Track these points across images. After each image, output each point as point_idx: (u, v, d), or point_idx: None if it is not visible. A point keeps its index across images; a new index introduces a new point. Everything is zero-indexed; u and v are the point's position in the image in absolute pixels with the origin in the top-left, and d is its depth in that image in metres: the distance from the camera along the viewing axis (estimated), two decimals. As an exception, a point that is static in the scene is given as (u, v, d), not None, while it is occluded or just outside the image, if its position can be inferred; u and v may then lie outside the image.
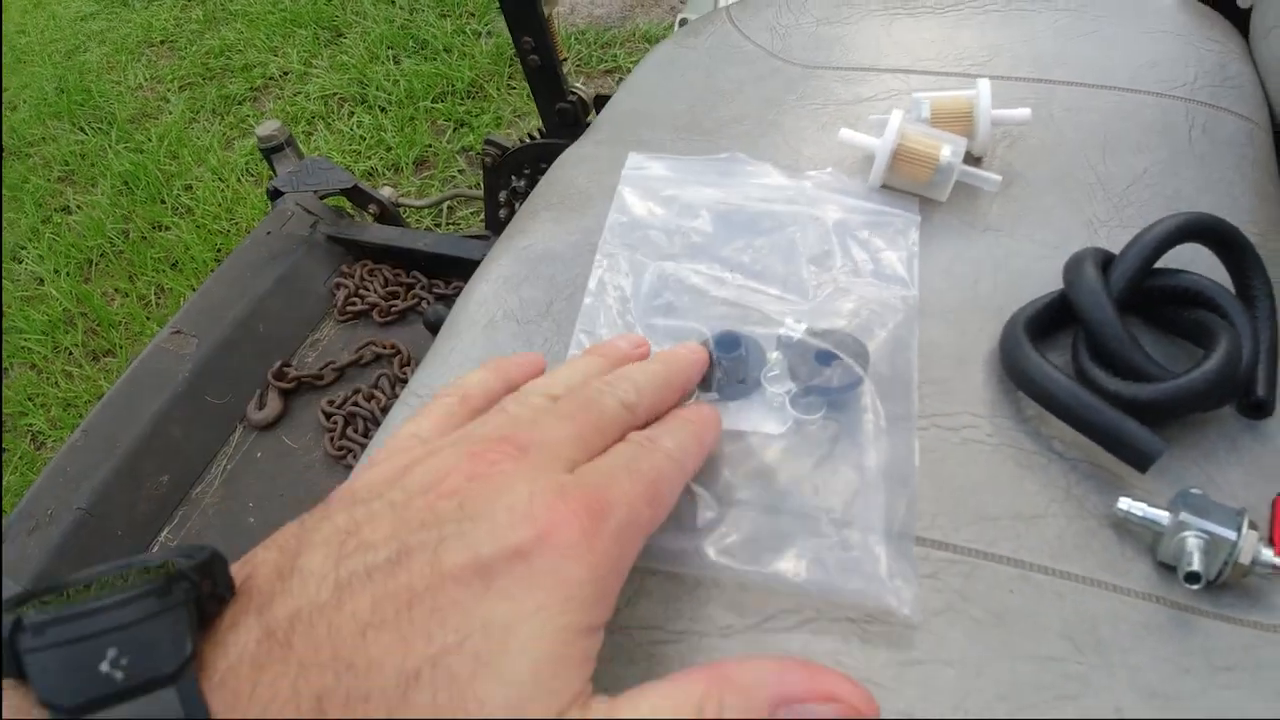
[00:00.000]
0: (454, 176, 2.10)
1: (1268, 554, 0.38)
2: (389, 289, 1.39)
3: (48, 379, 1.93)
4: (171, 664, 0.24)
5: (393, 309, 1.33)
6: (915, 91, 0.61)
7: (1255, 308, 0.47)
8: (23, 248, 2.26)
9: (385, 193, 1.56)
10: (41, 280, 2.14)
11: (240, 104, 2.54)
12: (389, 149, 2.21)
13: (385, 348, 1.27)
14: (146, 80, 2.74)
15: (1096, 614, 0.38)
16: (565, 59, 1.23)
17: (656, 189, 0.58)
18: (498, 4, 1.15)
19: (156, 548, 1.19)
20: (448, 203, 1.97)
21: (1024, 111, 0.59)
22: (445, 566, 0.28)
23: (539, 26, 1.12)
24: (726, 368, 0.45)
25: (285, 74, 2.58)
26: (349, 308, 1.37)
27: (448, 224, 1.99)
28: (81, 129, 2.59)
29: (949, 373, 0.47)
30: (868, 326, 0.48)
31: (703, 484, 0.41)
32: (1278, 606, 0.39)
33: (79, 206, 2.33)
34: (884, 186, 0.58)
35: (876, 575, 0.38)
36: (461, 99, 2.29)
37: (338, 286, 1.40)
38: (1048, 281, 0.51)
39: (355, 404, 1.21)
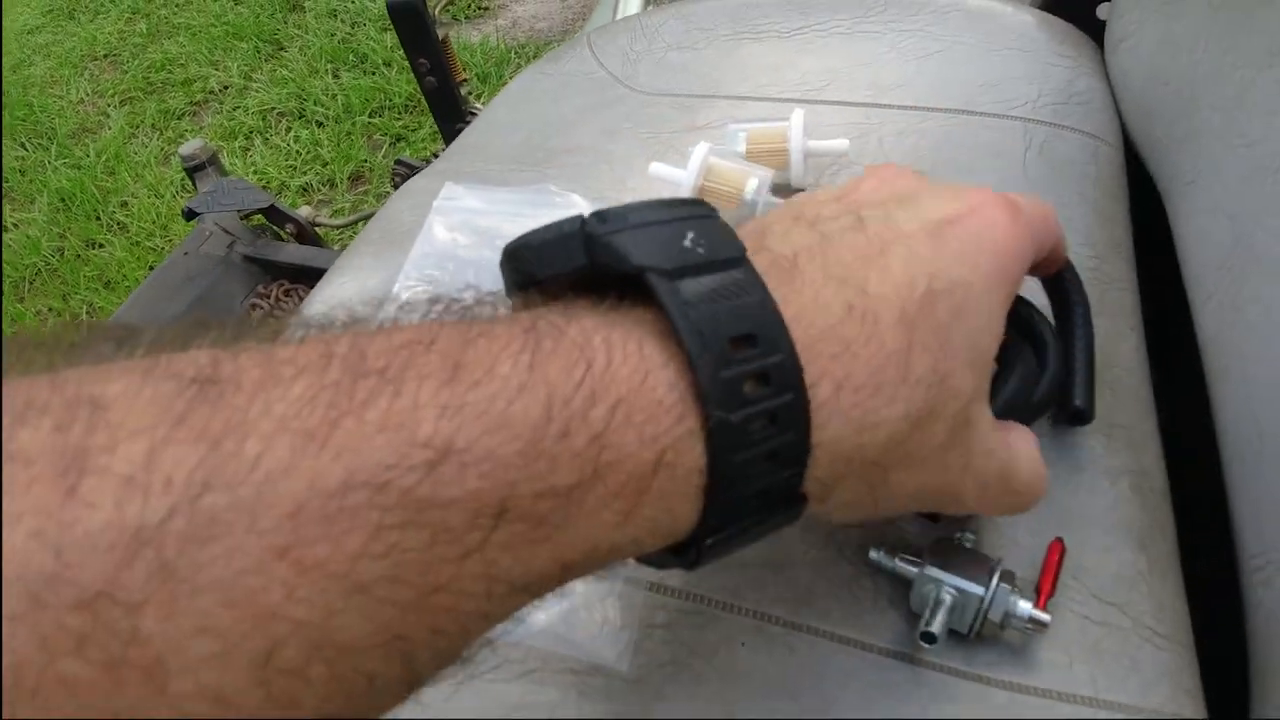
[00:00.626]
0: (388, 192, 2.09)
1: (1024, 607, 0.38)
2: (303, 309, 1.38)
3: (-25, 400, 1.91)
4: (736, 250, 0.28)
5: (303, 329, 1.32)
6: (733, 123, 0.61)
7: (1071, 322, 0.48)
8: (-46, 268, 2.24)
9: (303, 212, 1.55)
10: (-28, 300, 2.13)
11: (180, 119, 2.53)
12: (325, 164, 2.20)
13: (292, 368, 1.26)
14: (88, 94, 2.72)
15: (826, 671, 0.38)
16: (464, 80, 1.23)
17: (465, 220, 0.58)
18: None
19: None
20: (363, 221, 1.96)
21: (841, 143, 0.59)
22: (902, 227, 0.32)
23: (433, 48, 1.12)
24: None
25: (225, 88, 2.57)
26: (263, 327, 1.36)
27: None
28: (22, 144, 2.57)
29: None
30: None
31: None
32: (1040, 664, 0.39)
33: (15, 224, 2.31)
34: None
35: (592, 625, 0.38)
36: (399, 114, 2.29)
37: (254, 306, 1.39)
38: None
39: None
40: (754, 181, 0.55)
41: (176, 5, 3.01)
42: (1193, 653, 0.41)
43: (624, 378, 0.25)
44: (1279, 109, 0.49)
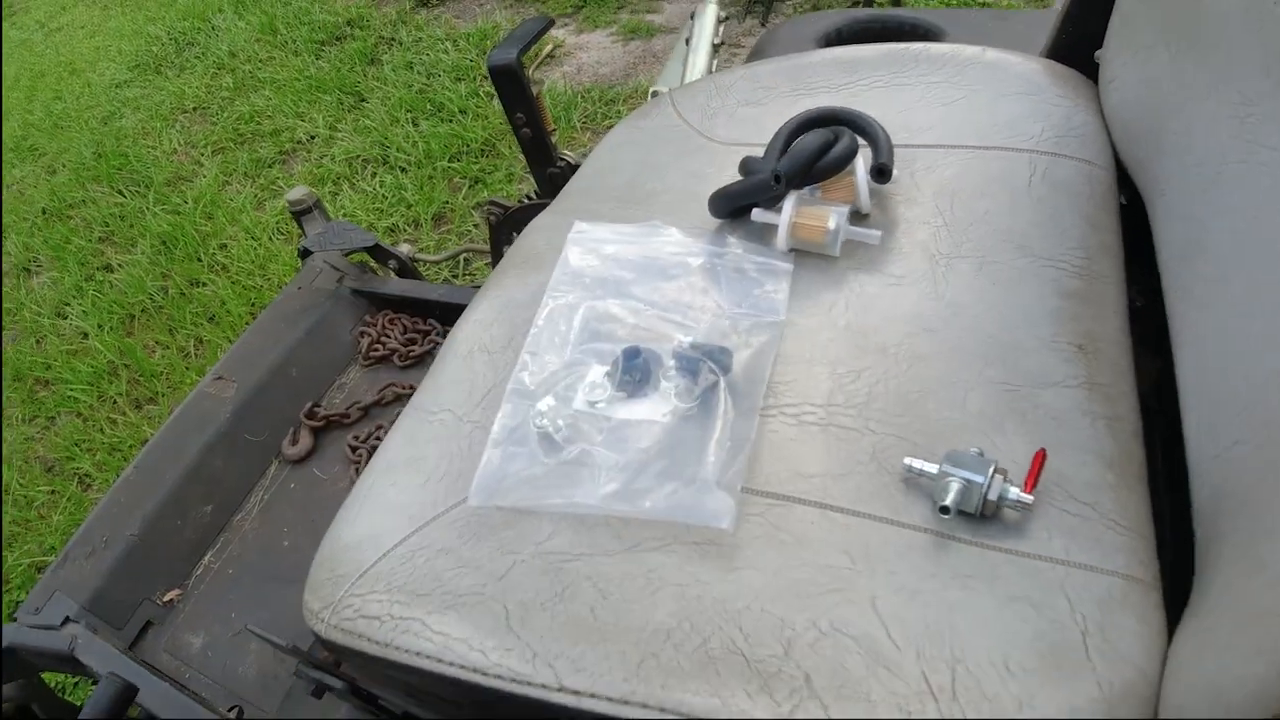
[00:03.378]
0: (469, 230, 2.33)
1: (1013, 491, 0.57)
2: (408, 336, 1.59)
3: (94, 426, 2.16)
4: None
5: (411, 353, 1.53)
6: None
7: (874, 133, 0.72)
8: (67, 304, 2.50)
9: (403, 249, 1.77)
10: (86, 334, 2.38)
11: (270, 167, 2.79)
12: (409, 206, 2.44)
13: (404, 388, 1.46)
14: (181, 145, 3.00)
15: (871, 539, 0.58)
16: (554, 130, 1.44)
17: (594, 248, 0.78)
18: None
19: (200, 569, 1.38)
20: (460, 256, 2.19)
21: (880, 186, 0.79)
22: None
23: (529, 105, 1.33)
24: (628, 372, 0.65)
25: (312, 138, 2.84)
26: (372, 353, 1.57)
27: (463, 275, 2.20)
28: (120, 192, 2.85)
29: (798, 374, 0.67)
30: (738, 344, 0.67)
31: (604, 457, 0.61)
32: (1027, 537, 0.57)
33: (120, 265, 2.57)
34: (791, 249, 0.78)
35: (705, 506, 0.58)
36: (476, 158, 2.52)
37: (361, 334, 1.61)
38: (885, 303, 0.71)
39: (378, 439, 1.41)
40: (834, 217, 0.75)
41: (260, 61, 3.31)
42: (1152, 545, 0.58)
43: None
44: (1218, 132, 0.67)
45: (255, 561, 1.38)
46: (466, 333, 0.79)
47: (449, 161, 2.53)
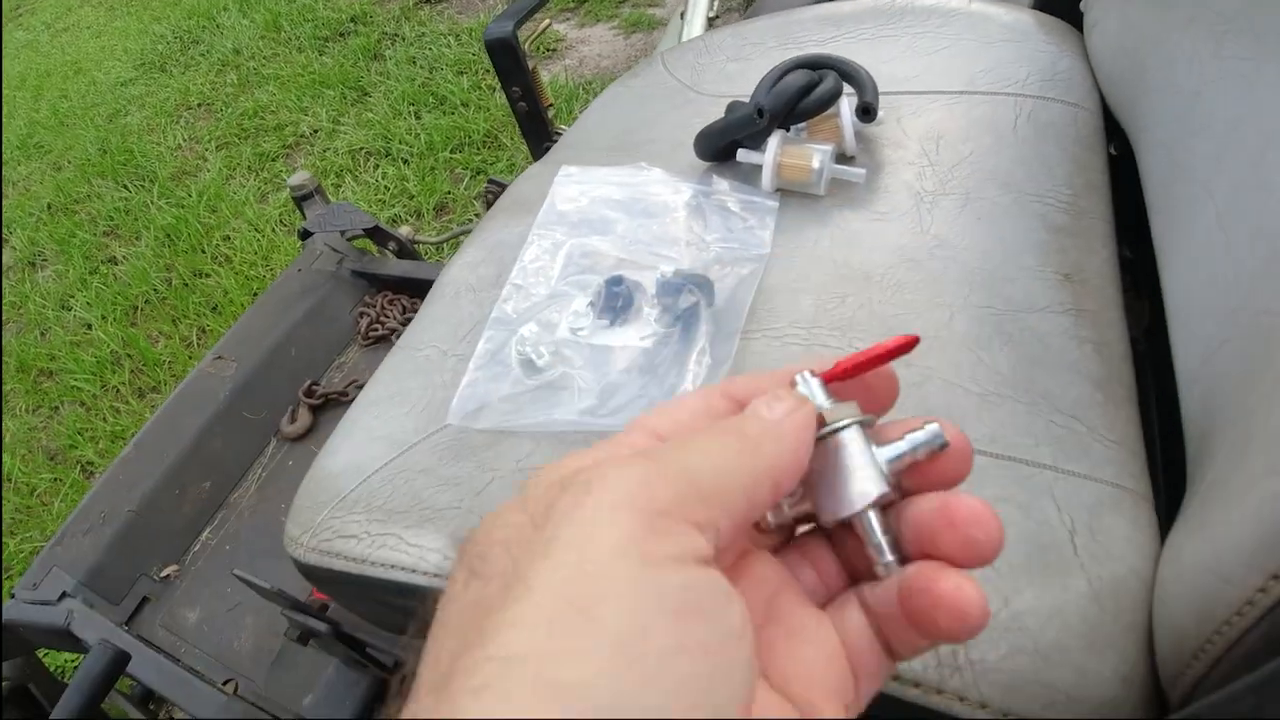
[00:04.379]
0: (471, 219, 2.33)
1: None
2: (407, 316, 1.60)
3: (96, 414, 2.17)
4: None
5: (409, 331, 1.54)
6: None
7: (859, 76, 0.73)
8: (71, 296, 2.52)
9: (403, 231, 1.78)
10: (90, 325, 2.40)
11: (274, 160, 2.81)
12: (411, 197, 2.45)
13: (401, 363, 1.47)
14: (185, 140, 3.02)
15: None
16: (550, 105, 1.45)
17: (580, 190, 0.79)
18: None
19: (198, 546, 1.39)
20: (459, 238, 2.20)
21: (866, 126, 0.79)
22: None
23: (525, 78, 1.34)
24: (609, 299, 0.65)
25: (315, 132, 2.85)
26: (371, 333, 1.58)
27: (465, 263, 2.21)
28: (124, 186, 2.87)
29: (782, 301, 0.67)
30: (721, 274, 0.68)
31: (584, 378, 0.62)
32: (1015, 445, 0.57)
33: (124, 258, 2.59)
34: (778, 190, 0.78)
35: None
36: (478, 149, 2.54)
37: (361, 315, 1.62)
38: (870, 237, 0.71)
39: (375, 412, 1.42)
40: (818, 156, 0.76)
41: (264, 58, 3.33)
42: (1143, 461, 0.58)
43: None
44: (1198, 55, 0.67)
45: (252, 538, 1.38)
46: (453, 274, 0.80)
47: (451, 153, 2.54)
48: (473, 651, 0.25)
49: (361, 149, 2.70)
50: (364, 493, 0.64)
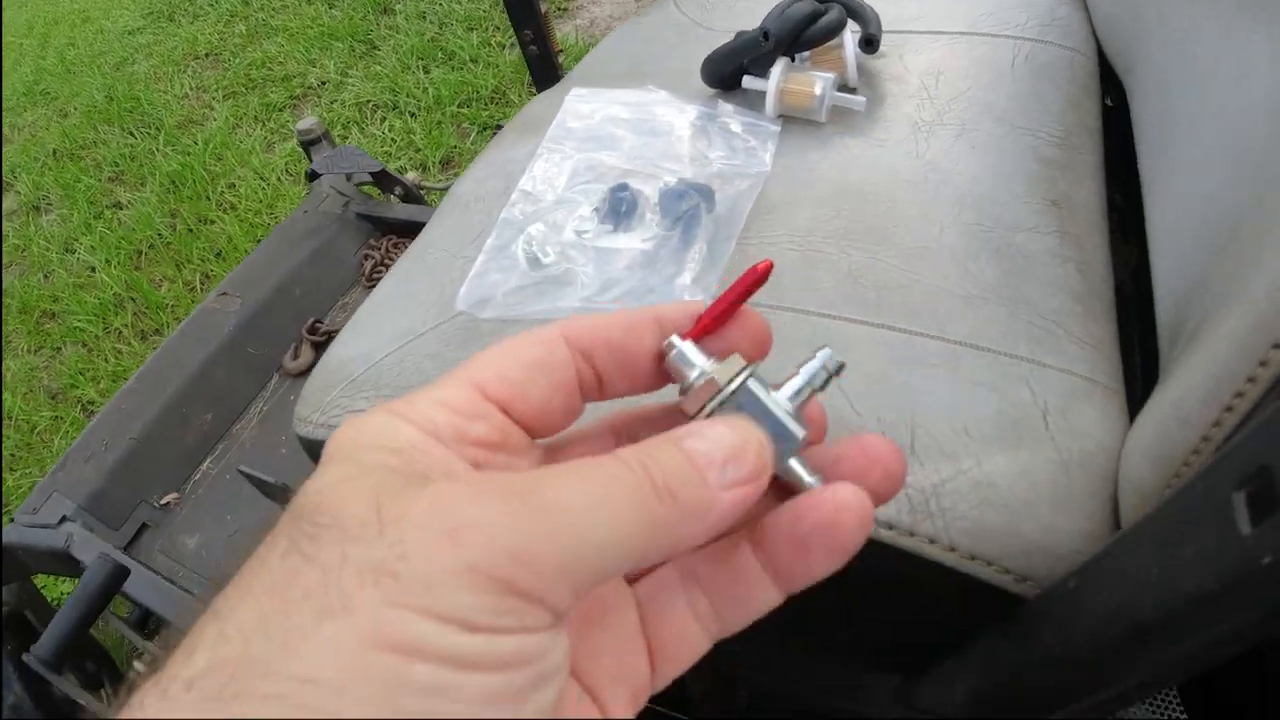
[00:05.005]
0: (477, 173, 2.35)
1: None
2: (410, 257, 1.62)
3: (98, 355, 2.20)
4: None
5: (412, 270, 1.56)
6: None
7: (863, 11, 0.75)
8: (76, 240, 2.55)
9: (410, 177, 1.81)
10: (94, 269, 2.43)
11: (281, 111, 2.83)
12: (418, 150, 2.47)
13: (405, 302, 1.50)
14: (192, 90, 3.04)
15: (841, 335, 0.61)
16: (560, 50, 1.47)
17: (590, 109, 0.82)
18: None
19: (199, 475, 1.42)
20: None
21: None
22: None
23: (537, 22, 1.37)
24: (614, 205, 0.68)
25: (323, 84, 2.87)
26: (375, 275, 1.61)
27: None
28: (130, 133, 2.89)
29: (780, 214, 0.70)
30: (723, 185, 0.71)
31: (589, 273, 0.64)
32: (993, 339, 0.60)
33: (129, 203, 2.62)
34: (781, 116, 0.81)
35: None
36: (485, 104, 2.55)
37: (365, 257, 1.65)
38: (867, 161, 0.74)
39: (377, 348, 1.44)
40: (820, 83, 0.78)
41: (273, 9, 3.34)
42: (1118, 366, 0.61)
43: None
44: (1188, 6, 0.70)
45: (253, 467, 1.41)
46: (463, 188, 0.83)
47: (458, 107, 2.56)
48: (268, 662, 0.23)
49: (369, 102, 2.72)
50: (373, 375, 0.67)
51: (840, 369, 0.31)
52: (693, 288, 0.63)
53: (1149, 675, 0.38)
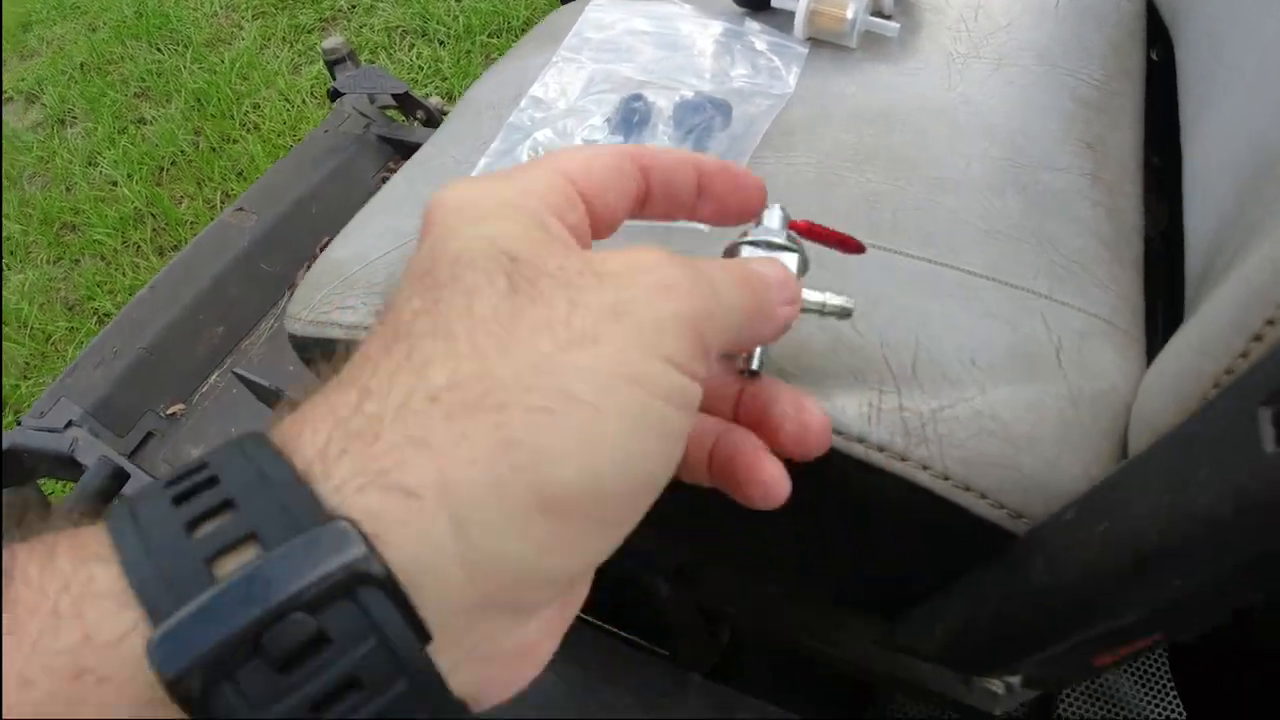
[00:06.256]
0: (503, 105, 2.33)
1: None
2: (430, 182, 1.60)
3: (116, 269, 2.20)
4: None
5: (431, 197, 1.55)
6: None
7: None
8: (99, 154, 2.54)
9: (433, 101, 1.78)
10: (115, 182, 2.42)
11: (309, 33, 2.80)
12: (445, 79, 2.45)
13: (421, 228, 1.48)
14: (221, 8, 3.01)
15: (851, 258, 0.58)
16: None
17: (610, 19, 0.79)
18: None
19: (206, 387, 1.42)
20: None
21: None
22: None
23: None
24: (626, 115, 0.66)
25: (353, 7, 2.84)
26: (393, 197, 1.58)
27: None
28: (158, 49, 2.87)
29: (799, 137, 0.68)
30: (742, 103, 0.68)
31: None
32: (1012, 274, 0.58)
33: (153, 119, 2.61)
34: (810, 39, 0.78)
35: None
36: (516, 35, 2.52)
37: (384, 179, 1.62)
38: (896, 89, 0.71)
39: (391, 270, 1.43)
40: (853, 6, 0.76)
41: (307, -71, 3.30)
42: (1139, 312, 0.59)
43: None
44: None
45: (262, 379, 1.40)
46: (474, 94, 0.81)
47: (488, 37, 2.53)
48: (524, 379, 0.25)
49: (398, 27, 2.68)
50: (365, 275, 0.65)
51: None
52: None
53: (1144, 612, 0.36)
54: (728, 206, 0.37)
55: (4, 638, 0.22)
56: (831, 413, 0.48)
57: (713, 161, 0.36)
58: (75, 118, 2.76)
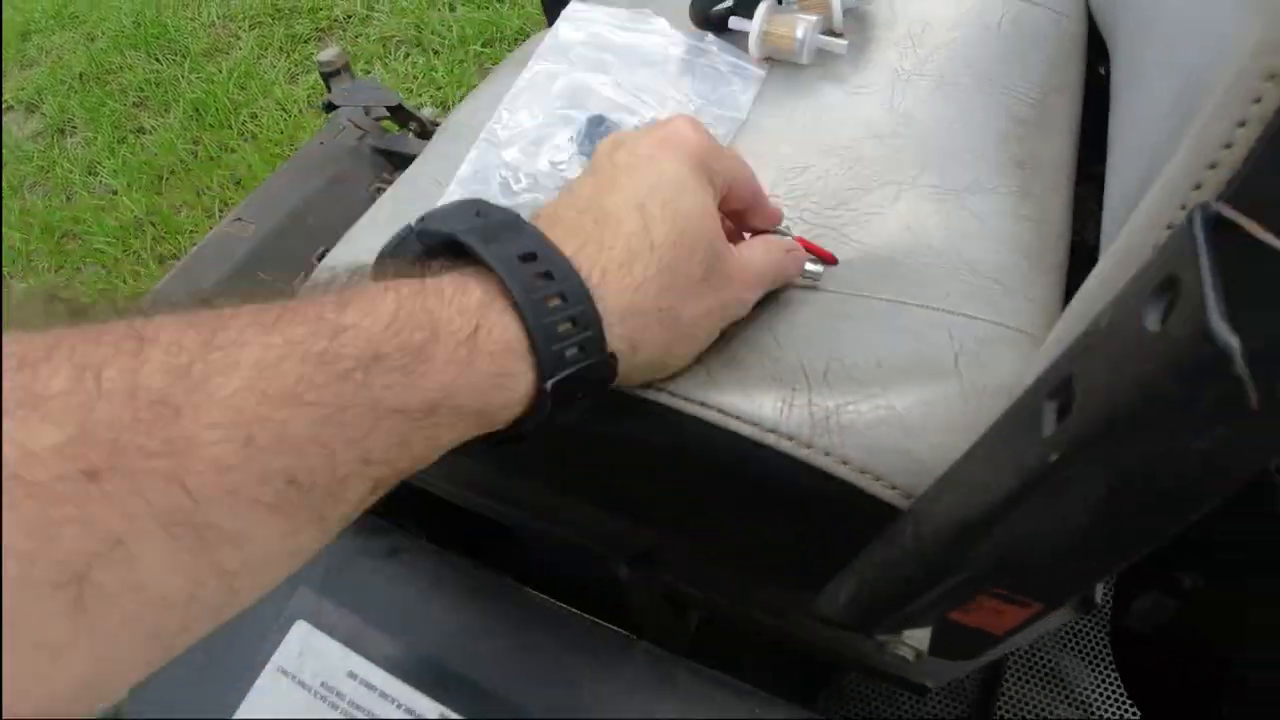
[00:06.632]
0: (496, 113, 2.40)
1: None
2: (422, 191, 1.67)
3: (117, 276, 2.27)
4: (511, 214, 0.50)
5: (423, 206, 1.61)
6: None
7: None
8: (99, 163, 2.61)
9: (426, 113, 1.85)
10: (115, 192, 2.49)
11: (306, 43, 2.87)
12: (439, 88, 2.52)
13: (414, 237, 1.55)
14: (219, 18, 3.08)
15: (776, 293, 0.65)
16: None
17: (584, 26, 0.86)
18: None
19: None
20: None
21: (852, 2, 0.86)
22: (619, 164, 0.53)
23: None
24: (590, 136, 0.73)
25: (349, 17, 2.91)
26: (386, 207, 1.65)
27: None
28: (156, 59, 2.95)
29: (751, 159, 0.74)
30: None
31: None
32: (928, 296, 0.65)
33: (152, 129, 2.68)
34: (767, 59, 0.85)
35: None
36: (509, 44, 2.59)
37: (378, 190, 1.69)
38: (842, 110, 0.78)
39: (384, 280, 1.50)
40: (802, 26, 0.82)
41: (303, -60, 3.38)
42: (1054, 317, 0.65)
43: (448, 289, 0.42)
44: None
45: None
46: (456, 116, 0.87)
47: (481, 46, 2.60)
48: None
49: (393, 37, 2.76)
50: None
51: None
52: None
53: (972, 570, 0.43)
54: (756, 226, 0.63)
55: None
56: (750, 409, 0.55)
57: (763, 196, 0.62)
58: (75, 127, 2.83)
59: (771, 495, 0.57)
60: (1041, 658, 1.08)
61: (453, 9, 2.78)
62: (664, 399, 0.57)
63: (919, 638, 0.53)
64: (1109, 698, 1.04)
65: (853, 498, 0.53)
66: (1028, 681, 1.06)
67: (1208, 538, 0.85)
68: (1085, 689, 1.04)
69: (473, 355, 0.40)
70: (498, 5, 2.73)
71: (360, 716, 0.67)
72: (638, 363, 0.49)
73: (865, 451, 0.53)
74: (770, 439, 0.54)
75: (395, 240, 0.50)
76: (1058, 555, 0.38)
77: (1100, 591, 0.75)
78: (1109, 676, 1.05)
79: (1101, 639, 1.07)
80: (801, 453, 0.53)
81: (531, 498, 0.81)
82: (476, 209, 0.47)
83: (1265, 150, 0.32)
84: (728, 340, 0.59)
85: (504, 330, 0.42)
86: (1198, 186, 0.37)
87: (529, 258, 0.44)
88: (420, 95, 2.51)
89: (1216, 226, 0.25)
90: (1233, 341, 0.24)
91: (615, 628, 0.69)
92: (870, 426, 0.54)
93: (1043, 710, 1.03)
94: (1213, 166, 0.36)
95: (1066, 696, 1.04)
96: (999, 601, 0.43)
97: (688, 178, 0.50)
